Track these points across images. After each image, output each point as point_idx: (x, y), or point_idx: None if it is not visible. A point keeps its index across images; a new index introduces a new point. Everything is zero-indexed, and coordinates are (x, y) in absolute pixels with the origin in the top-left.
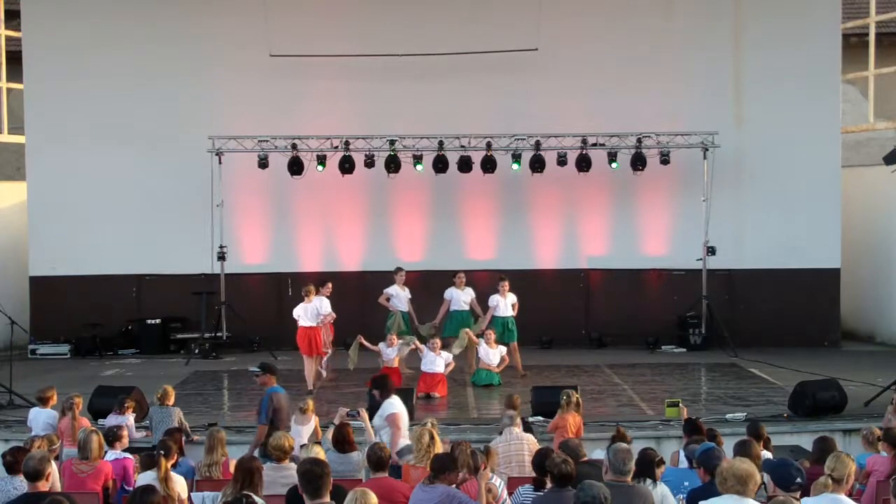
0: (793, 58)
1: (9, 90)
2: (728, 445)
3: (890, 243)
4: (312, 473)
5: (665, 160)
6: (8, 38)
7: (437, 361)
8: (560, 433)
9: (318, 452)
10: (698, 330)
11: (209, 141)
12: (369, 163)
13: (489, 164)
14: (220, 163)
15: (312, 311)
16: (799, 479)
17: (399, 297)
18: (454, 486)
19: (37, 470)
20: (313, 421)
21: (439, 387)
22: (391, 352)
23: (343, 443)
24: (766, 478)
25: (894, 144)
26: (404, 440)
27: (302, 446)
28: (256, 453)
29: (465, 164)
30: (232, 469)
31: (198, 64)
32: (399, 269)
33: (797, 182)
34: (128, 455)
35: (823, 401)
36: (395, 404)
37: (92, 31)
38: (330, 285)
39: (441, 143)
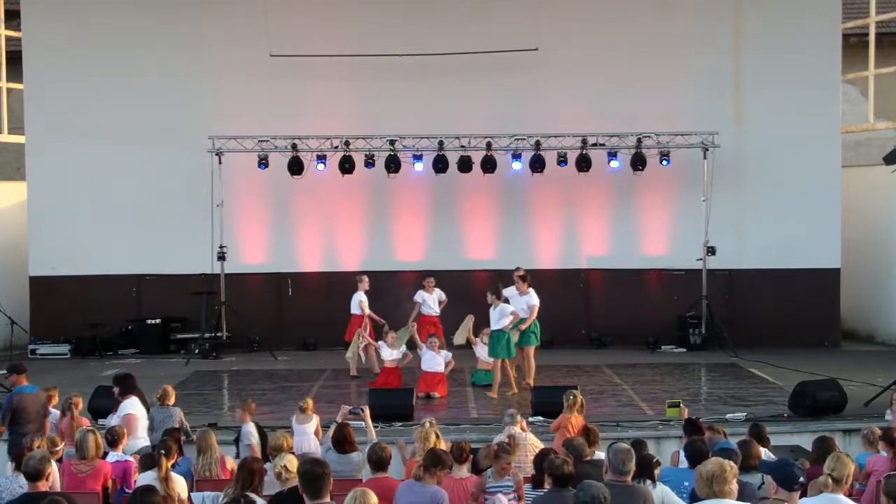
0: (793, 58)
1: (9, 90)
2: None
3: (890, 243)
4: (313, 474)
5: (665, 160)
6: (8, 38)
7: (438, 361)
8: (562, 433)
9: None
10: (698, 330)
11: (209, 141)
12: (369, 163)
13: (489, 164)
14: (220, 163)
15: (354, 300)
16: (801, 479)
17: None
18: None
19: (37, 470)
20: (314, 420)
21: (439, 387)
22: (391, 353)
23: (343, 443)
24: (767, 479)
25: (894, 144)
26: (139, 441)
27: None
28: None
29: (465, 164)
30: (229, 466)
31: (198, 64)
32: (518, 269)
33: (797, 182)
34: (129, 458)
35: (823, 401)
36: (133, 405)
37: (92, 31)
38: (432, 280)
39: (441, 143)
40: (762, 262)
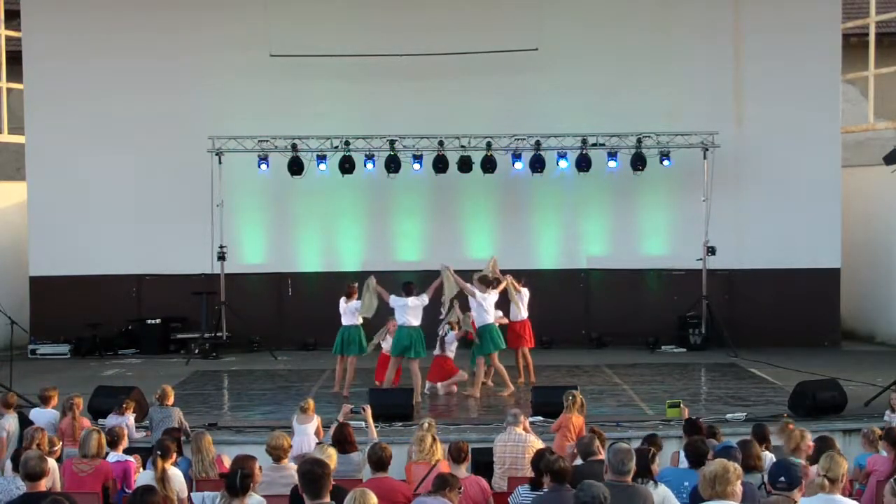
0: (793, 57)
1: (9, 90)
2: None
3: (890, 243)
4: (313, 474)
5: (665, 160)
6: (8, 38)
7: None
8: (562, 433)
9: (332, 455)
10: (698, 330)
11: (209, 141)
12: (369, 163)
13: (489, 164)
14: (220, 163)
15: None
16: (783, 478)
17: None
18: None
19: (36, 469)
20: (315, 420)
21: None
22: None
23: (343, 443)
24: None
25: (894, 144)
26: None
27: (318, 444)
28: None
29: (465, 164)
30: (227, 465)
31: (198, 64)
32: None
33: (797, 182)
34: (129, 458)
35: (823, 401)
36: None
37: (92, 31)
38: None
39: (441, 143)
40: (762, 262)
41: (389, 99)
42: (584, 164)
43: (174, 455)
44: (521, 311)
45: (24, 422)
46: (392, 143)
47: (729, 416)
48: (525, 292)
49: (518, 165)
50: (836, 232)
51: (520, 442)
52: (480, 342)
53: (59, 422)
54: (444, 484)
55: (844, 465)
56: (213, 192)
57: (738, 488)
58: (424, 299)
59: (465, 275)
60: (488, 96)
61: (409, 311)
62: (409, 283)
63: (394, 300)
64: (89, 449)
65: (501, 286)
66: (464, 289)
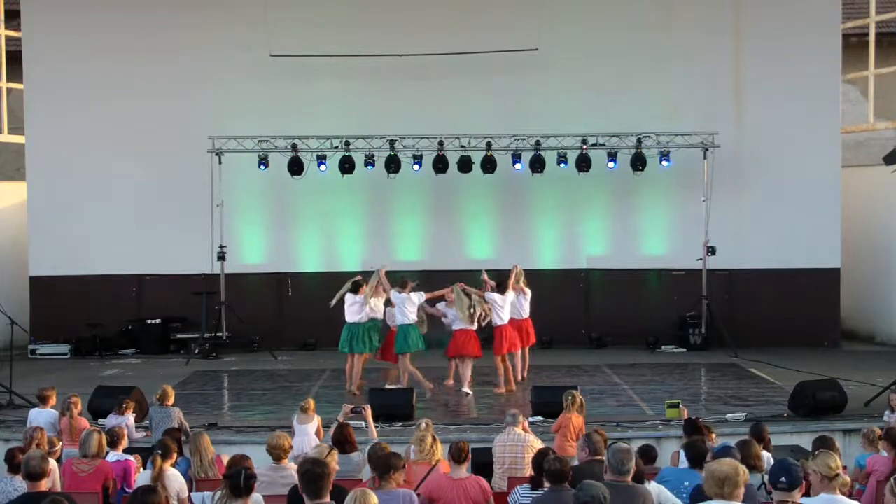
0: (793, 57)
1: (9, 90)
2: None
3: (890, 243)
4: (313, 474)
5: (665, 160)
6: (8, 38)
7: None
8: (563, 433)
9: (322, 453)
10: (698, 330)
11: (209, 141)
12: (369, 163)
13: (489, 164)
14: (220, 163)
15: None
16: (784, 479)
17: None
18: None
19: (37, 470)
20: (315, 420)
21: (471, 345)
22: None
23: (343, 443)
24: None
25: (894, 144)
26: None
27: (317, 447)
28: None
29: (465, 164)
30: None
31: (198, 64)
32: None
33: (797, 182)
34: (129, 457)
35: (823, 401)
36: None
37: (92, 31)
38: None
39: (441, 143)
40: (762, 262)
41: (389, 99)
42: (584, 164)
43: (175, 455)
44: (496, 316)
45: None
46: (392, 143)
47: (729, 416)
48: (497, 298)
49: (518, 166)
50: (836, 232)
51: (519, 442)
52: (396, 341)
53: (57, 421)
54: (388, 467)
55: (838, 462)
56: (213, 192)
57: (742, 491)
58: (362, 299)
59: (464, 275)
60: (488, 96)
61: (355, 308)
62: (357, 281)
63: (348, 297)
64: (89, 449)
65: (440, 292)
66: (384, 289)
